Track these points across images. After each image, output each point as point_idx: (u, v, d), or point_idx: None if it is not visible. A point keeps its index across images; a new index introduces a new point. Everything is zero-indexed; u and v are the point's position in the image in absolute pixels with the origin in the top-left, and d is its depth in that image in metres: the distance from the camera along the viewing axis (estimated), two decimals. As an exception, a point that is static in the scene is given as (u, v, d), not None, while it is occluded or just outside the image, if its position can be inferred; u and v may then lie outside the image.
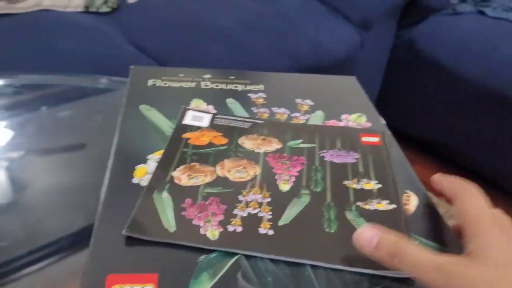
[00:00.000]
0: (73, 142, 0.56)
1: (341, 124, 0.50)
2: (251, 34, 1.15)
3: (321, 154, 0.44)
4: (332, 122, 0.50)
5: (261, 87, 0.55)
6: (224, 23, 1.16)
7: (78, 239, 0.43)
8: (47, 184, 0.50)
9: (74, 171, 0.52)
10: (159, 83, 0.53)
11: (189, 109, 0.48)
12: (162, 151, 0.42)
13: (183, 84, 0.54)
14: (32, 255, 0.42)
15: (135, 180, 0.39)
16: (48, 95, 0.69)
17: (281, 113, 0.51)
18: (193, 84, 0.54)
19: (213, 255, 0.33)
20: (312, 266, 0.33)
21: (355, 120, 0.51)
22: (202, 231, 0.34)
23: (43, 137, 0.57)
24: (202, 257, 0.33)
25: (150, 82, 0.53)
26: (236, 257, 0.33)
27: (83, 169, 0.52)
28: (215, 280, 0.31)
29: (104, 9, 1.21)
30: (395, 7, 1.44)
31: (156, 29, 1.16)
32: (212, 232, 0.34)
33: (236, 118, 0.48)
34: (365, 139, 0.47)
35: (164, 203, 0.36)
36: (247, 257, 0.33)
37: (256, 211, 0.37)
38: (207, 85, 0.54)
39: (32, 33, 1.01)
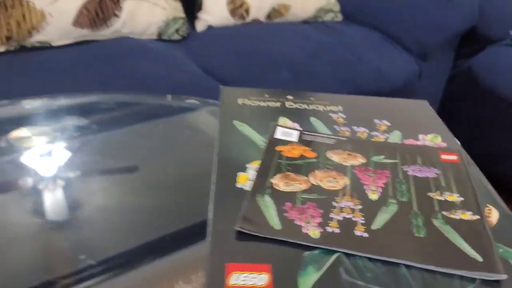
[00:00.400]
0: (157, 157, 0.62)
1: (419, 143, 0.53)
2: (316, 62, 1.20)
3: (404, 169, 0.47)
4: (410, 141, 0.53)
5: (340, 108, 0.59)
6: (290, 51, 1.22)
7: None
8: (133, 193, 0.55)
9: (167, 182, 0.57)
10: (247, 102, 0.58)
11: (279, 125, 0.53)
12: (258, 161, 0.47)
13: (270, 104, 0.58)
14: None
15: (238, 185, 0.43)
16: (132, 113, 0.76)
17: (361, 131, 0.54)
18: (278, 104, 0.59)
19: (316, 251, 0.37)
20: (406, 266, 0.36)
21: (431, 140, 0.54)
22: (304, 230, 0.38)
23: (127, 152, 0.63)
24: (307, 253, 0.37)
25: (240, 101, 0.58)
26: (337, 254, 0.37)
27: (174, 179, 0.57)
28: (321, 272, 0.35)
29: (176, 37, 1.30)
30: (452, 38, 1.46)
31: (225, 55, 1.23)
32: (313, 231, 0.38)
33: (321, 134, 0.52)
34: (444, 157, 0.50)
35: (267, 205, 0.41)
36: (347, 255, 0.37)
37: (349, 216, 0.40)
38: (292, 105, 0.59)
39: (115, 58, 1.09)
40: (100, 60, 1.10)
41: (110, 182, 0.55)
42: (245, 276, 0.34)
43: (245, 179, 0.44)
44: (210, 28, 1.36)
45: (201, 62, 1.22)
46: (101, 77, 1.03)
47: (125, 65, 1.08)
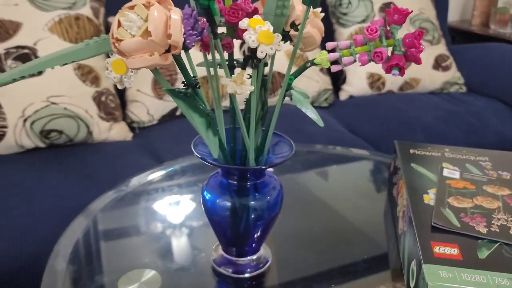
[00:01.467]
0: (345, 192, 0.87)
1: (551, 184, 0.73)
2: (446, 127, 1.41)
3: (542, 199, 0.68)
4: (544, 183, 0.73)
5: (486, 158, 0.81)
6: (423, 117, 1.45)
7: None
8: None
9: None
10: (417, 152, 0.82)
11: (445, 167, 0.76)
12: (435, 189, 0.70)
13: (433, 153, 0.82)
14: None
15: (425, 202, 0.67)
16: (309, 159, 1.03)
17: (505, 174, 0.76)
18: (439, 154, 0.82)
19: (485, 241, 0.59)
20: (548, 253, 0.57)
21: (561, 183, 0.74)
22: (476, 228, 0.60)
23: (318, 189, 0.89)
24: (479, 241, 0.59)
25: (411, 151, 0.82)
26: (499, 243, 0.58)
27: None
28: (490, 251, 0.57)
29: (324, 104, 1.58)
30: None
31: (366, 119, 1.49)
32: (482, 229, 0.60)
33: (476, 175, 0.75)
34: None
35: (449, 213, 0.64)
36: (505, 244, 0.58)
37: (505, 223, 0.62)
38: (449, 155, 0.81)
39: (285, 119, 1.39)
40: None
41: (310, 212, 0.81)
42: (443, 249, 0.57)
43: (429, 199, 0.68)
44: (351, 97, 1.64)
45: (346, 124, 1.48)
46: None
47: (294, 124, 1.37)
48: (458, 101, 1.61)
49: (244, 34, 0.47)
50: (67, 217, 0.83)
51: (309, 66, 0.56)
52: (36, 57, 1.20)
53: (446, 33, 2.04)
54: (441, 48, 1.79)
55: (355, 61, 0.53)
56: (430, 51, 1.73)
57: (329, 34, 1.76)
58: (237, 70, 0.55)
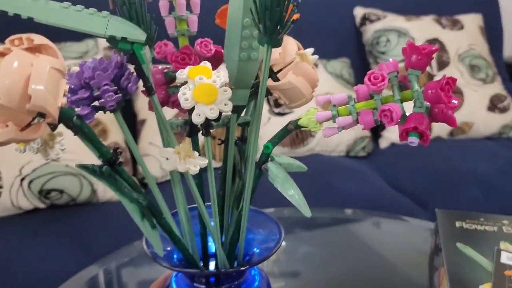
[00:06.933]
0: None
1: None
2: (506, 180, 1.20)
3: None
4: None
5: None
6: (478, 168, 1.24)
7: None
8: None
9: None
10: (465, 225, 0.64)
11: (503, 250, 0.57)
12: (489, 284, 0.51)
13: (486, 228, 0.63)
14: None
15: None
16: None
17: None
18: (495, 228, 0.63)
19: None
20: None
21: None
22: None
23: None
24: None
25: (458, 224, 0.64)
26: None
27: None
28: None
29: (361, 153, 1.41)
30: None
31: (411, 171, 1.30)
32: None
33: (547, 261, 0.55)
34: None
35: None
36: None
37: None
38: (509, 230, 0.62)
39: (311, 173, 1.23)
40: (296, 175, 1.24)
41: None
42: None
43: (481, 300, 0.49)
44: (393, 145, 1.45)
45: (387, 177, 1.29)
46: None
47: (320, 179, 1.20)
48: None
49: (180, 89, 0.32)
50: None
51: (292, 130, 0.40)
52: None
53: (503, 69, 1.82)
54: (497, 87, 1.58)
55: (356, 122, 0.37)
56: (484, 91, 1.53)
57: (366, 76, 1.60)
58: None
